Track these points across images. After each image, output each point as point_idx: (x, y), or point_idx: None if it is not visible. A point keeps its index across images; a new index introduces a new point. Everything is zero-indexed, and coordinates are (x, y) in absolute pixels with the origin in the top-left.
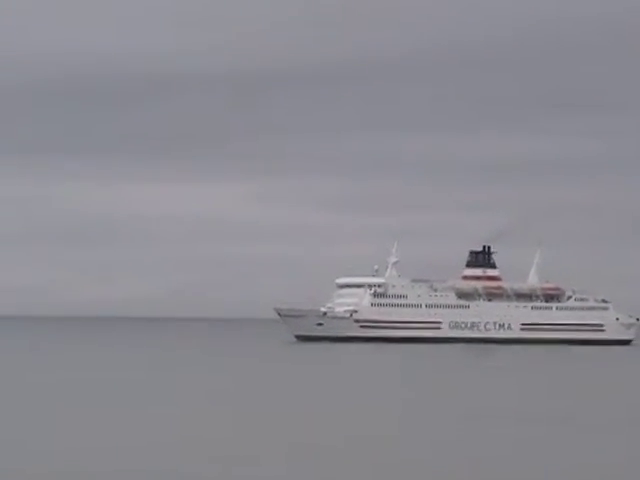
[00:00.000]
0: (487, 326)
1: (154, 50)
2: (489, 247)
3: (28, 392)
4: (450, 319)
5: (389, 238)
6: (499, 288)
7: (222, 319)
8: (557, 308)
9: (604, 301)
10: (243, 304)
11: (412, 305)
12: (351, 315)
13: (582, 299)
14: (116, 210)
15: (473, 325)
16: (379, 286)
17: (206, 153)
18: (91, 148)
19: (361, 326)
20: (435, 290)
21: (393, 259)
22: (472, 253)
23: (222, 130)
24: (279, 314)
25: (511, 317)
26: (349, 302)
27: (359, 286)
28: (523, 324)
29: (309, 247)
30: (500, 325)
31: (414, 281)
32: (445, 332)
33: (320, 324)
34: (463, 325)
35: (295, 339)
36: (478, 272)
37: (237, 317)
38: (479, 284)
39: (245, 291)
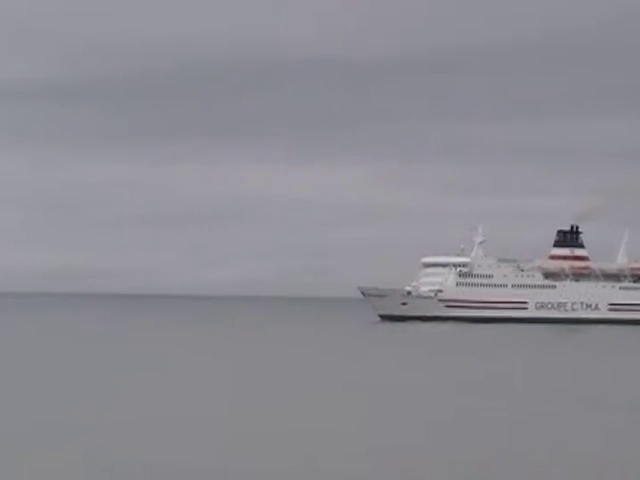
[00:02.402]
0: (574, 306)
1: (268, 36)
2: (577, 227)
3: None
4: (536, 299)
5: (476, 218)
6: (587, 268)
7: (315, 298)
8: None
9: None
10: (337, 285)
11: (498, 285)
12: (436, 295)
13: None
14: (225, 192)
15: (560, 305)
16: (464, 266)
17: (316, 138)
18: (199, 131)
19: (446, 306)
20: (521, 270)
21: (479, 239)
22: (560, 233)
23: (334, 115)
24: (363, 293)
25: (599, 297)
26: (434, 281)
27: (444, 265)
28: (611, 304)
29: (404, 228)
30: (587, 305)
31: (500, 261)
32: (531, 312)
33: (404, 303)
34: (549, 305)
35: (379, 319)
36: (566, 252)
37: (333, 297)
38: (566, 264)
39: (339, 272)
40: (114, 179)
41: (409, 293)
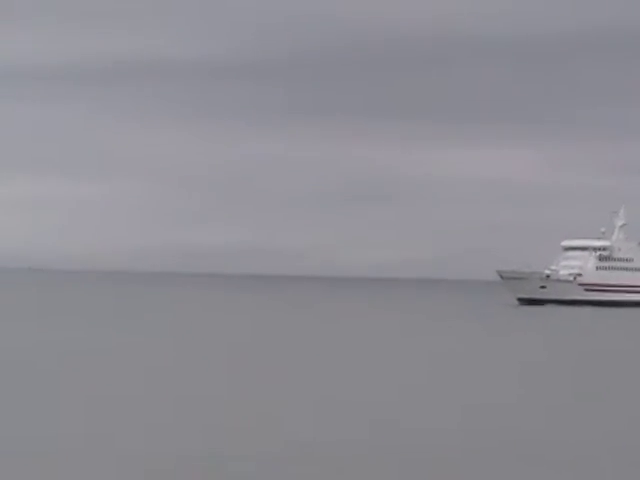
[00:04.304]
0: None
1: (439, 13)
2: None
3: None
4: None
5: (618, 200)
6: None
7: (462, 281)
8: None
9: None
10: (482, 267)
11: (638, 269)
12: (575, 278)
13: None
14: (401, 172)
15: None
16: (604, 249)
17: (491, 118)
18: (366, 110)
19: (585, 289)
20: None
21: (620, 221)
22: None
23: (510, 96)
24: (501, 277)
25: None
26: (573, 265)
27: (584, 249)
28: None
29: (550, 209)
30: None
31: None
32: None
33: (543, 287)
34: None
35: (517, 302)
36: None
37: (479, 279)
38: None
39: (485, 254)
40: (284, 156)
41: (548, 276)
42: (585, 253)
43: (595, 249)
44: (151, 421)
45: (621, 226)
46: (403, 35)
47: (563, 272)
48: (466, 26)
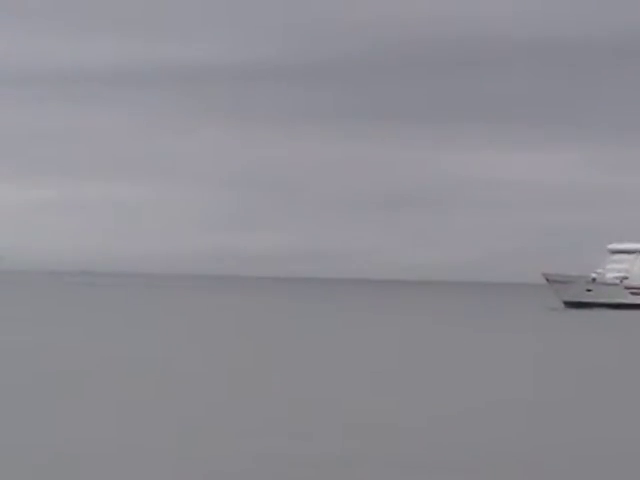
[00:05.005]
0: None
1: (490, 13)
2: None
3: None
4: None
5: None
6: None
7: (501, 284)
8: None
9: None
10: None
11: None
12: (621, 281)
13: None
14: (436, 175)
15: None
16: None
17: (530, 120)
18: (425, 114)
19: (632, 293)
20: None
21: None
22: None
23: (546, 97)
24: (547, 279)
25: None
26: (620, 268)
27: (631, 252)
28: None
29: (597, 212)
30: None
31: None
32: None
33: (589, 290)
34: None
35: (563, 305)
36: None
37: (517, 282)
38: None
39: (527, 257)
40: (328, 160)
41: (594, 280)
42: (632, 256)
43: None
44: (162, 429)
45: None
46: (433, 37)
47: (609, 275)
48: (496, 27)
